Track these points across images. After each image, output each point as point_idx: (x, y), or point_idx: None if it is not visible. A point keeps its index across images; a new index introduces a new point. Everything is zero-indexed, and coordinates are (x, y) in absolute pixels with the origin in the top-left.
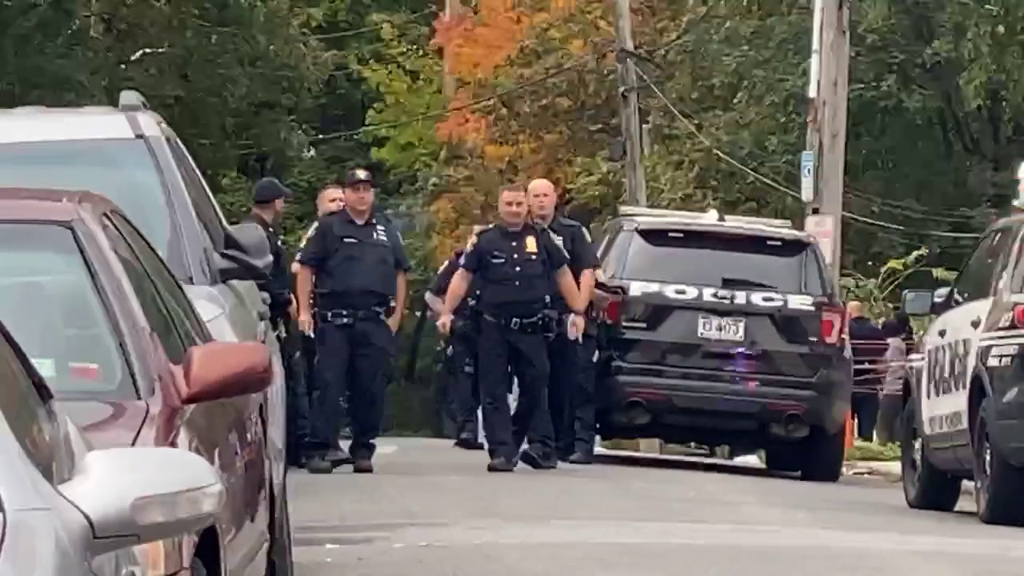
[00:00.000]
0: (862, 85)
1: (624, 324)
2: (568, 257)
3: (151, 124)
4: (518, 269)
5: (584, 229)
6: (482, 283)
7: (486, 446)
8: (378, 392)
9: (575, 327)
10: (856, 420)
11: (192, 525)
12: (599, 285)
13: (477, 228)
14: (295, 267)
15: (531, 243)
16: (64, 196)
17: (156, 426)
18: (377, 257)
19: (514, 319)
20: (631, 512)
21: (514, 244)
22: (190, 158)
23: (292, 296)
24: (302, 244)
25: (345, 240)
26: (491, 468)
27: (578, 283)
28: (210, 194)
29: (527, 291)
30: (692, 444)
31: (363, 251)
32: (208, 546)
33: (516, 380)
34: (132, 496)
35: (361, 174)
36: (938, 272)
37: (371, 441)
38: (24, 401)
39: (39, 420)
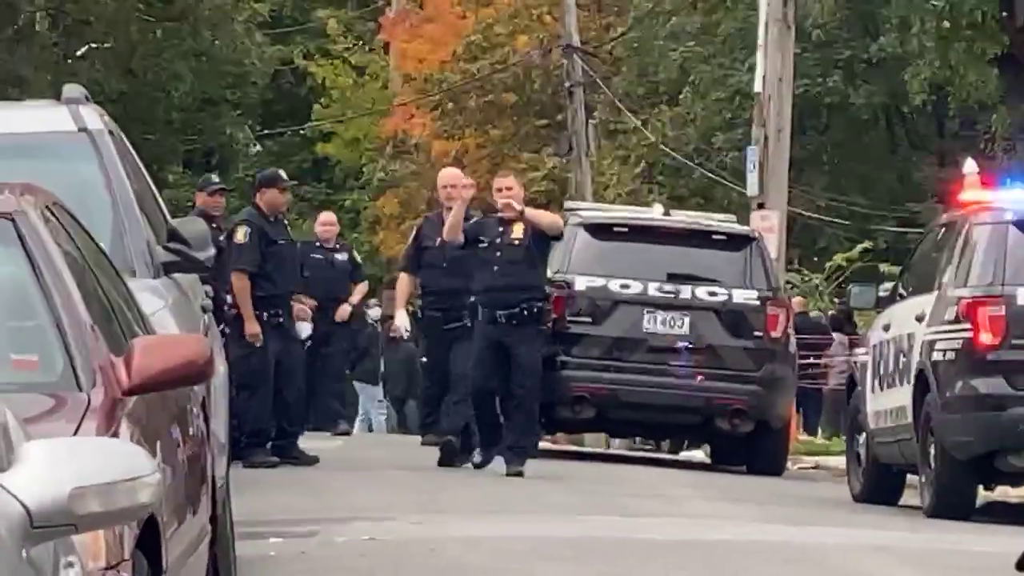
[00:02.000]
0: (807, 81)
1: (569, 319)
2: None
3: (94, 117)
4: (499, 254)
5: None
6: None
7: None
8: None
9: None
10: (801, 415)
11: (131, 515)
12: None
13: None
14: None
15: (518, 229)
16: (5, 188)
17: (97, 418)
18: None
19: (499, 311)
20: (575, 507)
21: (500, 230)
22: (134, 152)
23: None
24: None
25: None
26: (476, 466)
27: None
28: (154, 188)
29: (508, 277)
30: (637, 439)
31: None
32: (149, 538)
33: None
34: (70, 486)
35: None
36: (883, 266)
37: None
38: None
39: None
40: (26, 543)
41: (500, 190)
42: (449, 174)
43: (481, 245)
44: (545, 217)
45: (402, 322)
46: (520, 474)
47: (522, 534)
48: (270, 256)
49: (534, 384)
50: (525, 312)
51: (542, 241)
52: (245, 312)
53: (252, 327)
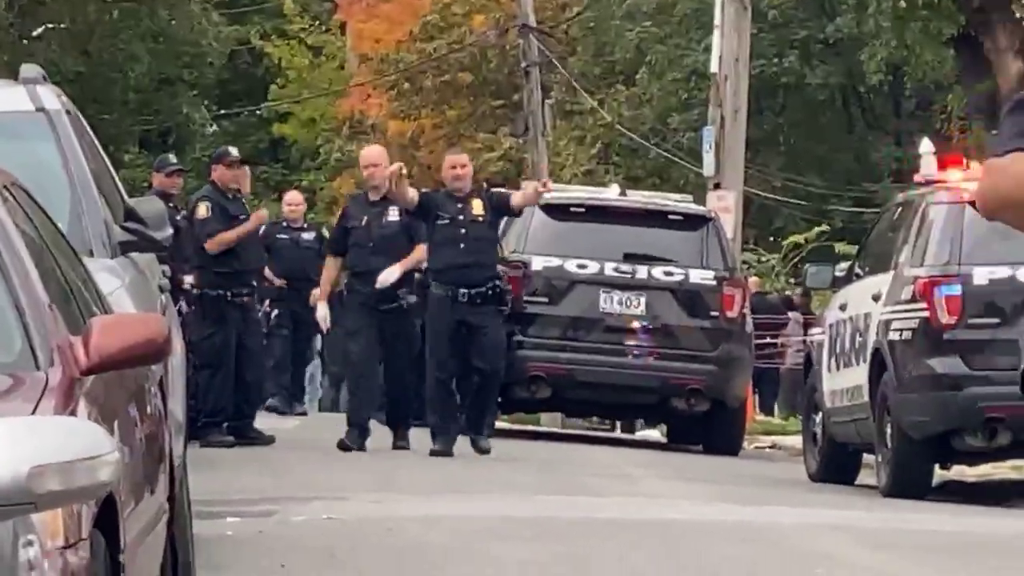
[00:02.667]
0: (764, 61)
1: (526, 299)
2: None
3: (51, 97)
4: (463, 231)
5: None
6: (428, 248)
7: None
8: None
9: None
10: (757, 394)
11: (90, 494)
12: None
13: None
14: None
15: (477, 205)
16: None
17: (55, 397)
18: None
19: (462, 289)
20: (532, 486)
21: (460, 207)
22: (91, 132)
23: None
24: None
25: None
26: (433, 453)
27: None
28: (111, 168)
29: (474, 254)
30: (593, 418)
31: None
32: (107, 517)
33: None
34: (29, 464)
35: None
36: (840, 247)
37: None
38: None
39: None
40: None
41: (454, 167)
42: (370, 153)
43: (441, 222)
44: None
45: (323, 315)
46: (488, 451)
47: (480, 514)
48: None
49: (501, 364)
50: (490, 291)
51: (499, 218)
52: (235, 235)
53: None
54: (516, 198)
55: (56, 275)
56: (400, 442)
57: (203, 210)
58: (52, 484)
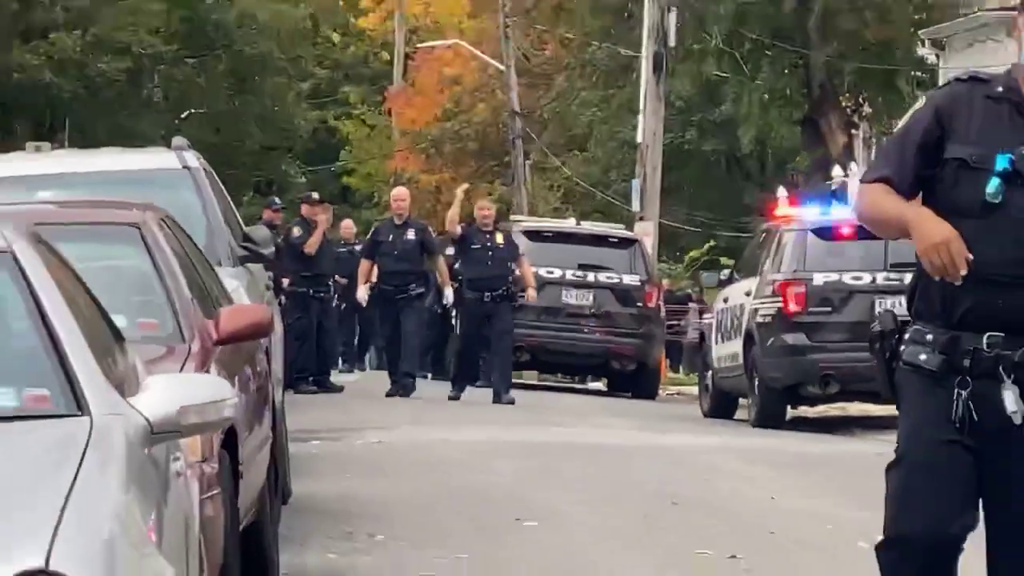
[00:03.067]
0: (672, 134)
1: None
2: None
3: (193, 159)
4: (489, 254)
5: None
6: (463, 265)
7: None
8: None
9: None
10: (668, 359)
11: (218, 426)
12: None
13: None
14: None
15: (499, 237)
16: (133, 206)
17: (195, 360)
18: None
19: (487, 293)
20: (518, 420)
21: (487, 237)
22: (220, 183)
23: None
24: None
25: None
26: (450, 398)
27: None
28: (233, 207)
29: (495, 269)
30: (558, 375)
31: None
32: (230, 440)
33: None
34: (177, 405)
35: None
36: (724, 260)
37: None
38: (106, 343)
39: (115, 355)
40: (148, 444)
41: (483, 209)
42: (398, 192)
43: (474, 247)
44: (529, 275)
45: (362, 295)
46: (512, 402)
47: (483, 439)
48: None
49: (510, 340)
50: (504, 292)
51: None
52: (317, 238)
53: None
54: (522, 268)
55: (196, 279)
56: (404, 389)
57: (296, 231)
58: (192, 418)
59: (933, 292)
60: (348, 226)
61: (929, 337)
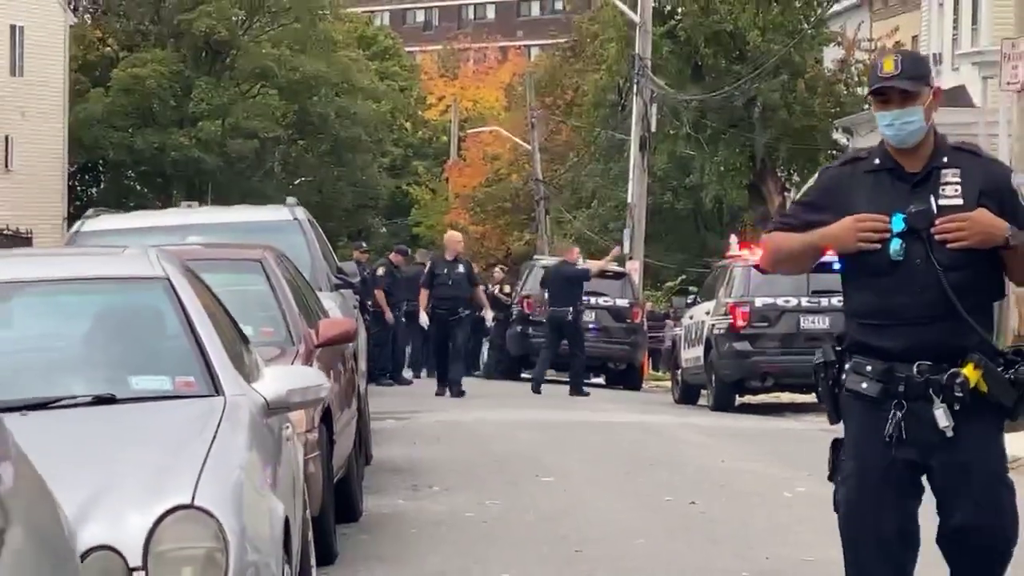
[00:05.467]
0: (654, 196)
1: (535, 313)
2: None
3: (300, 212)
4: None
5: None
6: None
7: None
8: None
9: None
10: (650, 360)
11: (316, 403)
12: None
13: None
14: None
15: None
16: (258, 247)
17: (301, 358)
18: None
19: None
20: (537, 404)
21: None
22: (320, 230)
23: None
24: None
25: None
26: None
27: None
28: (330, 247)
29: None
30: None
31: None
32: (327, 417)
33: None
34: (286, 388)
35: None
36: (692, 288)
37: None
38: (236, 344)
39: (243, 353)
40: (266, 416)
41: (571, 252)
42: (452, 235)
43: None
44: (482, 298)
45: (424, 320)
46: (586, 395)
47: (511, 418)
48: (397, 282)
49: (583, 350)
50: (577, 314)
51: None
52: (383, 306)
53: (388, 315)
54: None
55: (303, 299)
56: (452, 390)
57: (380, 270)
58: (297, 398)
59: (868, 333)
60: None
61: (868, 368)
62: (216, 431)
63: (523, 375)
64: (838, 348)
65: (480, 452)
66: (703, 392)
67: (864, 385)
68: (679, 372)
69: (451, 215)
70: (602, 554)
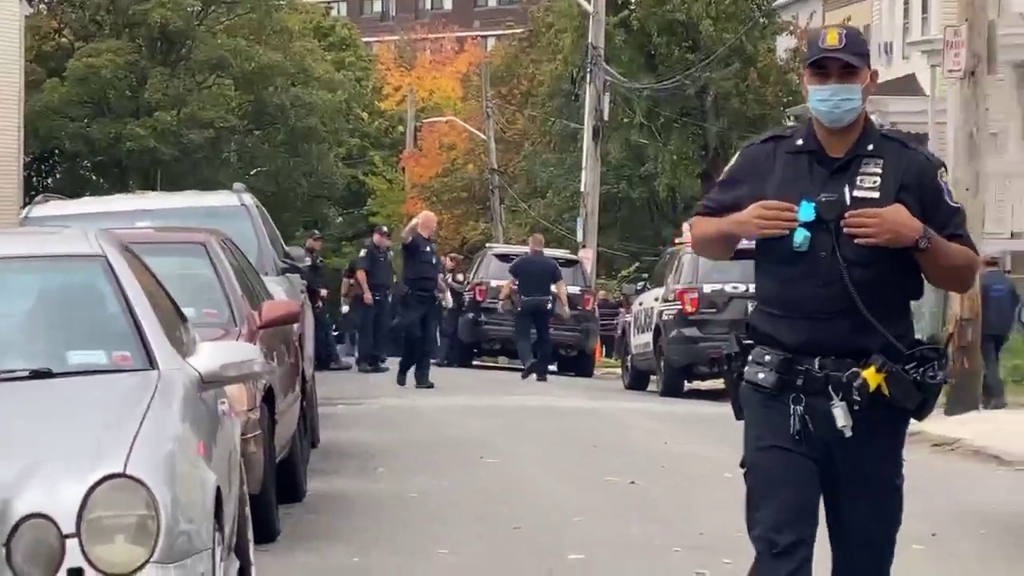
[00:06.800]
0: (607, 186)
1: (487, 300)
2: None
3: (248, 199)
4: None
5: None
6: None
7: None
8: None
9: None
10: (604, 348)
11: (251, 378)
12: None
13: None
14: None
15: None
16: (203, 231)
17: (243, 339)
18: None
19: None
20: (491, 390)
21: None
22: (268, 216)
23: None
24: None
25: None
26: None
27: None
28: (278, 233)
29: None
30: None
31: None
32: (269, 397)
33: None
34: (220, 362)
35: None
36: (644, 275)
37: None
38: (172, 321)
39: (179, 329)
40: (200, 390)
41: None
42: (429, 217)
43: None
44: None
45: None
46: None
47: (461, 405)
48: (379, 264)
49: (549, 337)
50: (550, 305)
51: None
52: (364, 287)
53: (367, 296)
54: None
55: (247, 282)
56: (424, 381)
57: (363, 252)
58: (231, 372)
59: (770, 322)
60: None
61: (767, 359)
62: (150, 403)
63: (474, 362)
64: (746, 340)
65: (429, 436)
66: (653, 378)
67: (762, 376)
68: (629, 358)
69: (407, 205)
70: (540, 532)
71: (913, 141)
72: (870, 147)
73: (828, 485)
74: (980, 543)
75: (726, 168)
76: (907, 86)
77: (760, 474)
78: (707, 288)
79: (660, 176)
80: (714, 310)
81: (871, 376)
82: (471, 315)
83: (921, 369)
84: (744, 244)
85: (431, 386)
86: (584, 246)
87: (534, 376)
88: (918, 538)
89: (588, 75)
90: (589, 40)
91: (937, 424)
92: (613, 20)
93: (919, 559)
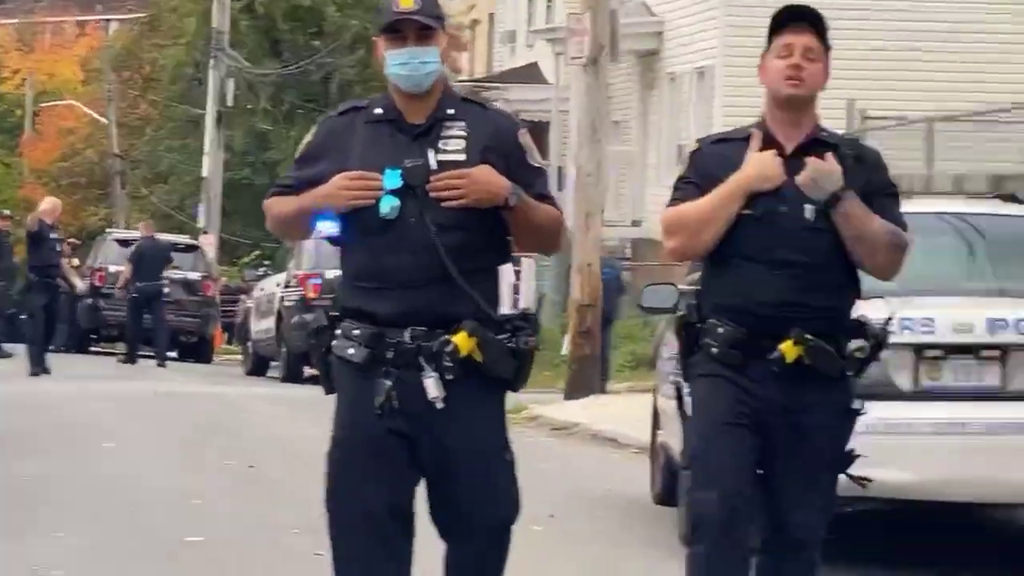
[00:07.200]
0: (233, 172)
1: (106, 286)
2: None
3: None
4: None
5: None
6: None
7: None
8: None
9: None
10: (226, 335)
11: None
12: None
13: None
14: None
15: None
16: None
17: None
18: None
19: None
20: (120, 376)
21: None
22: None
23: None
24: None
25: None
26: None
27: None
28: None
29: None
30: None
31: None
32: None
33: None
34: None
35: None
36: (267, 262)
37: None
38: None
39: None
40: None
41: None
42: (56, 203)
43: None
44: None
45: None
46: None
47: (78, 390)
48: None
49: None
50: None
51: None
52: None
53: None
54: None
55: None
56: (41, 368)
57: None
58: None
59: (362, 296)
60: None
61: (356, 333)
62: None
63: (93, 348)
64: (333, 314)
65: (46, 421)
66: (273, 364)
67: (351, 351)
68: (249, 344)
69: (25, 190)
70: (158, 515)
71: (492, 104)
72: (451, 111)
73: (436, 465)
74: (593, 523)
75: (303, 143)
76: (531, 74)
77: (350, 450)
78: (329, 274)
79: (284, 163)
80: (335, 295)
81: (462, 341)
82: (90, 301)
83: (515, 338)
84: (329, 231)
85: (48, 372)
86: (206, 232)
87: (154, 362)
88: (537, 519)
89: (212, 60)
90: (213, 25)
91: (557, 408)
92: (238, 5)
93: (538, 539)
